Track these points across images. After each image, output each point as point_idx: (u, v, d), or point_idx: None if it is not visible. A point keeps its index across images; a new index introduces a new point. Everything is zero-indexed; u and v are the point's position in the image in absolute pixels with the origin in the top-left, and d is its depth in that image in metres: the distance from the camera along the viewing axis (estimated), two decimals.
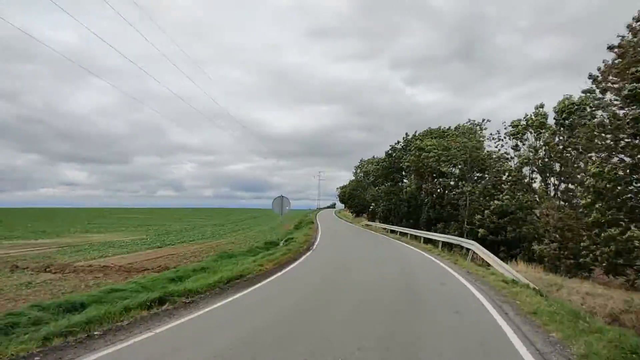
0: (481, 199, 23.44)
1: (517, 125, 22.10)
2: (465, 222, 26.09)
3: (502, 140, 24.25)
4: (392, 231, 29.99)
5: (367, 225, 42.10)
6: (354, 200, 55.95)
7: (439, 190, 28.91)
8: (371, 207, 46.57)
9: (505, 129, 23.35)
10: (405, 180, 36.06)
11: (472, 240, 14.71)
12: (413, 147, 30.12)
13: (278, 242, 21.03)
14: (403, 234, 27.07)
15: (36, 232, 31.93)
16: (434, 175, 29.40)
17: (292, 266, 11.63)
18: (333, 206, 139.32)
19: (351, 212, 66.27)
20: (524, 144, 22.02)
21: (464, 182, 26.28)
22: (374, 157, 45.55)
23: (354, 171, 56.02)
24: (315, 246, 18.47)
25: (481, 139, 27.00)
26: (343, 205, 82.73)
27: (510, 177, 21.83)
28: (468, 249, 14.75)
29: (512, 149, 22.48)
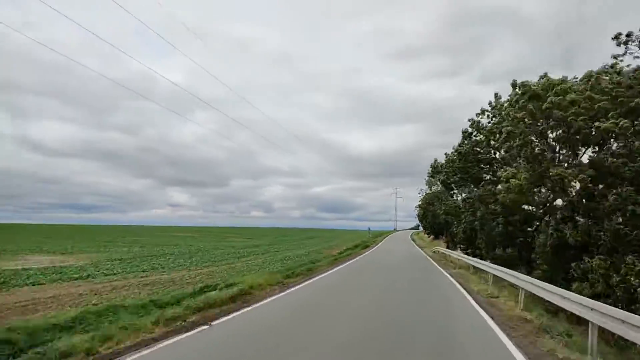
0: None
1: None
2: None
3: None
4: (479, 269, 16.00)
5: (442, 253, 27.51)
6: (428, 218, 40.75)
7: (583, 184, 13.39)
8: (454, 227, 31.67)
9: None
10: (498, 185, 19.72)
11: None
12: (523, 94, 14.81)
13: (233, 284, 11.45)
14: (499, 280, 13.00)
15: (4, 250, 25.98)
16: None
17: None
18: (417, 227, 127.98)
19: (427, 234, 50.73)
20: None
21: None
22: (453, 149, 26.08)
23: (426, 179, 40.19)
24: (228, 318, 6.62)
25: None
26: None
27: None
28: None
29: None
